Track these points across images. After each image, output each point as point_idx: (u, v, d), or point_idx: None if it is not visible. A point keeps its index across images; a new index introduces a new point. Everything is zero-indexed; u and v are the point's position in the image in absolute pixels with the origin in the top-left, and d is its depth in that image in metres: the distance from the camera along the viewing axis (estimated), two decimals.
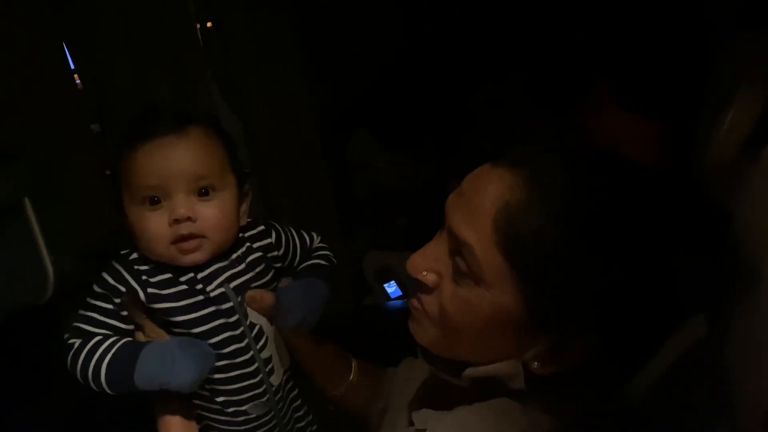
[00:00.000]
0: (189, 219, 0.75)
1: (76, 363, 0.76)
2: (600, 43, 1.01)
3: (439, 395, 0.69)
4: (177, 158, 0.75)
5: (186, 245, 0.76)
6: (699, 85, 0.82)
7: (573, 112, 1.02)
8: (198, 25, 1.46)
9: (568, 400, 0.61)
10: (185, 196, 0.76)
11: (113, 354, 0.75)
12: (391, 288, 1.83)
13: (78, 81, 1.30)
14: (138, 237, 0.77)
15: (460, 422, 0.64)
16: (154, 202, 0.76)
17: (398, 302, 1.80)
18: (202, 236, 0.77)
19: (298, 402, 0.91)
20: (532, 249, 0.55)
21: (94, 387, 0.76)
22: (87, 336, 0.77)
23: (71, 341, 0.77)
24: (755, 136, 0.69)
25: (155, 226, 0.76)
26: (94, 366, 0.75)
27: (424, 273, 0.63)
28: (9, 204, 0.95)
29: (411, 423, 0.71)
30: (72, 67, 1.27)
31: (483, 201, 0.58)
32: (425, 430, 0.67)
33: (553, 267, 0.55)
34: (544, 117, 1.43)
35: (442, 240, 0.63)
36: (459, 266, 0.60)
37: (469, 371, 0.62)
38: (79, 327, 0.77)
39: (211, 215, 0.77)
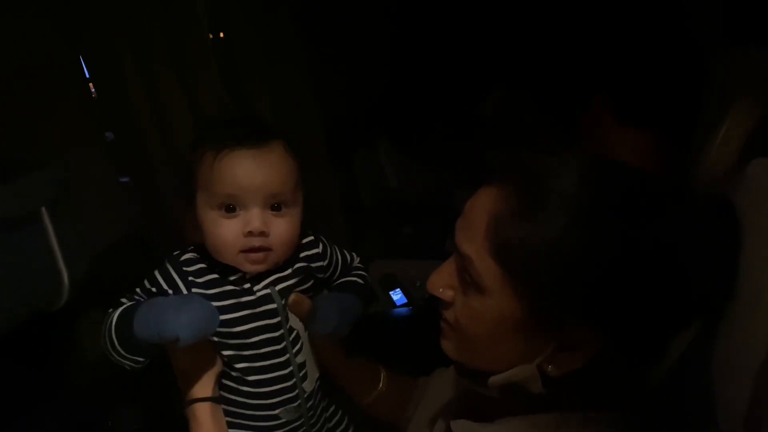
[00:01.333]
0: (263, 233, 0.77)
1: (106, 326, 0.78)
2: (596, 56, 1.02)
3: (477, 408, 0.72)
4: (259, 172, 0.76)
5: (255, 256, 0.78)
6: (692, 98, 0.84)
7: (575, 121, 1.04)
8: (211, 36, 1.48)
9: (604, 415, 0.64)
10: (261, 209, 0.77)
11: (127, 306, 0.79)
12: (397, 295, 1.84)
13: (93, 90, 1.32)
14: (208, 239, 0.79)
15: None
16: (230, 209, 0.77)
17: (403, 310, 1.81)
18: (270, 249, 0.79)
19: (330, 412, 0.93)
20: (520, 254, 0.58)
21: (111, 347, 0.77)
22: (120, 305, 0.81)
23: (110, 311, 0.80)
24: (748, 149, 0.72)
25: (228, 234, 0.77)
26: (114, 319, 0.77)
27: (441, 290, 0.68)
28: (27, 214, 0.97)
29: (448, 430, 0.74)
30: (87, 75, 1.28)
31: (476, 216, 0.63)
32: None
33: (542, 269, 0.58)
34: (550, 126, 1.44)
35: (454, 258, 0.68)
36: (465, 279, 0.64)
37: (492, 379, 0.65)
38: (120, 301, 0.81)
39: (282, 231, 0.79)
